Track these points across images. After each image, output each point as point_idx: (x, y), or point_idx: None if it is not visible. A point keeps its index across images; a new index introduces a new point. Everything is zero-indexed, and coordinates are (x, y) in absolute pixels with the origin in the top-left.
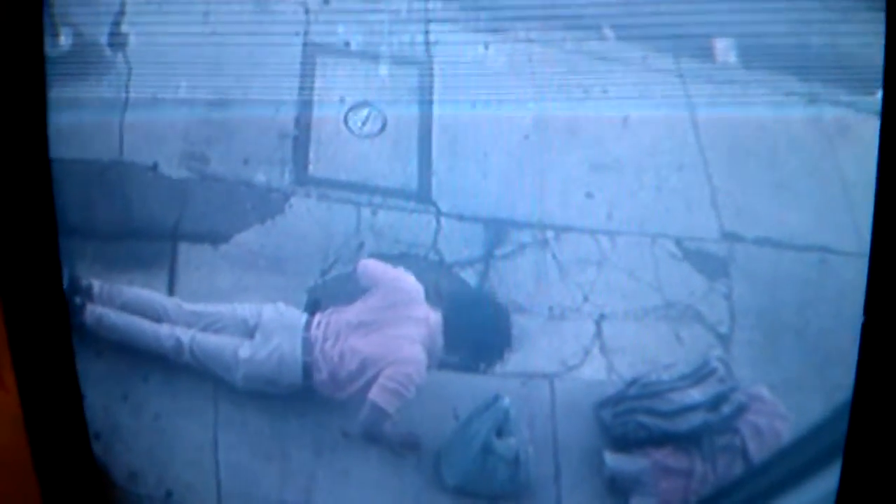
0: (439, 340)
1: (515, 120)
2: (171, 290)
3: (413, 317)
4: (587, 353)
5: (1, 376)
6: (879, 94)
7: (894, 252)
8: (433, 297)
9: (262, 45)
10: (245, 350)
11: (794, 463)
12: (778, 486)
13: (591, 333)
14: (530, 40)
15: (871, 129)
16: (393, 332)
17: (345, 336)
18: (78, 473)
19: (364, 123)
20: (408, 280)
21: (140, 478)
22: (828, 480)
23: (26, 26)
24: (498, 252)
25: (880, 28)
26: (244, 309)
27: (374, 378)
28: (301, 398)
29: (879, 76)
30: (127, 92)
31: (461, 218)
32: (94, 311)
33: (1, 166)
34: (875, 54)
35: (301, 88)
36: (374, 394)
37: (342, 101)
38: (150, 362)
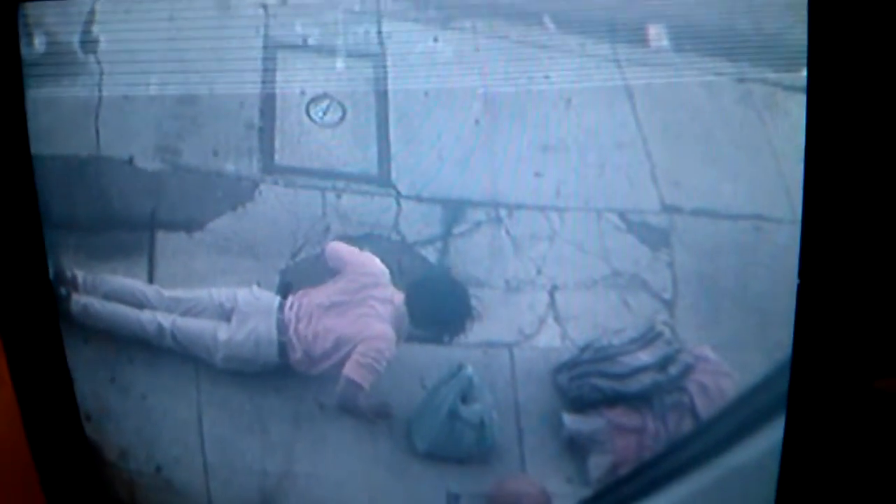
0: (406, 318)
1: (466, 106)
2: (151, 278)
3: (380, 297)
4: (542, 322)
5: None
6: (804, 72)
7: (824, 218)
8: (397, 277)
9: (225, 42)
10: (223, 333)
11: (741, 418)
12: (727, 440)
13: (545, 304)
14: (476, 32)
15: (797, 103)
16: (362, 312)
17: (317, 317)
18: (72, 454)
19: (324, 113)
20: (374, 263)
21: (130, 455)
22: (774, 432)
23: (2, 32)
24: (455, 230)
25: (803, 11)
26: (220, 293)
27: (348, 355)
28: (279, 375)
29: (804, 55)
30: (100, 91)
31: (420, 199)
32: (80, 301)
33: None
34: (799, 35)
35: (264, 83)
36: (349, 369)
37: (303, 93)
38: (134, 347)
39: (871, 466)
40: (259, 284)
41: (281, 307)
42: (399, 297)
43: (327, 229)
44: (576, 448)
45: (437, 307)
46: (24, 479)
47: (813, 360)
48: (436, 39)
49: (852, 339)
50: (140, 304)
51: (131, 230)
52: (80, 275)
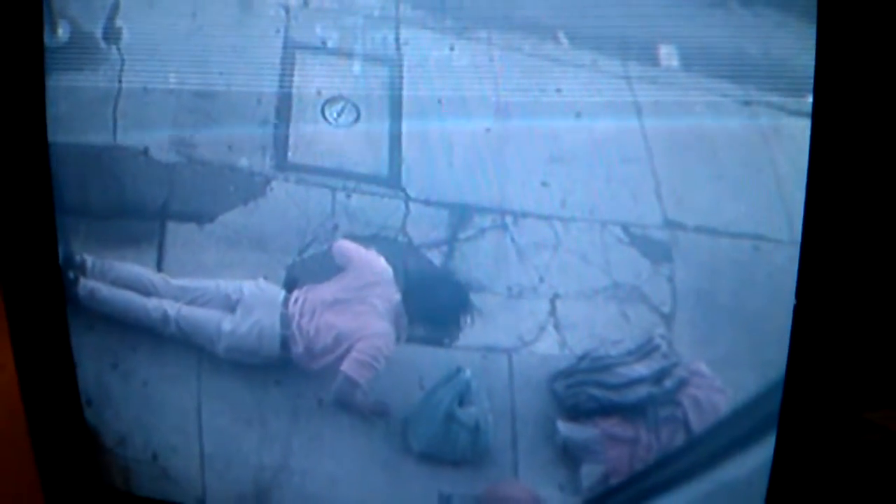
0: (405, 316)
1: (478, 114)
2: (159, 267)
3: (381, 295)
4: (542, 329)
5: None
6: (810, 98)
7: (823, 240)
8: (400, 276)
9: (246, 41)
10: (227, 323)
11: (732, 433)
12: (717, 455)
13: (545, 311)
14: (492, 43)
15: (801, 128)
16: (363, 309)
17: (320, 312)
18: (70, 438)
19: (339, 115)
20: (378, 262)
21: (128, 441)
22: (764, 451)
23: (27, 19)
24: (461, 235)
25: (811, 38)
26: (227, 285)
27: (347, 351)
28: (280, 369)
29: (810, 81)
30: (120, 82)
31: (428, 203)
32: (87, 286)
33: (2, 149)
34: (806, 62)
35: (281, 82)
36: (347, 366)
37: (319, 94)
38: (139, 334)
39: (856, 493)
40: (266, 278)
41: (285, 301)
42: (400, 296)
43: (336, 228)
44: (569, 456)
45: (435, 307)
46: (21, 460)
47: (805, 381)
48: (452, 48)
49: (845, 366)
50: (147, 292)
51: (143, 219)
52: (88, 260)
